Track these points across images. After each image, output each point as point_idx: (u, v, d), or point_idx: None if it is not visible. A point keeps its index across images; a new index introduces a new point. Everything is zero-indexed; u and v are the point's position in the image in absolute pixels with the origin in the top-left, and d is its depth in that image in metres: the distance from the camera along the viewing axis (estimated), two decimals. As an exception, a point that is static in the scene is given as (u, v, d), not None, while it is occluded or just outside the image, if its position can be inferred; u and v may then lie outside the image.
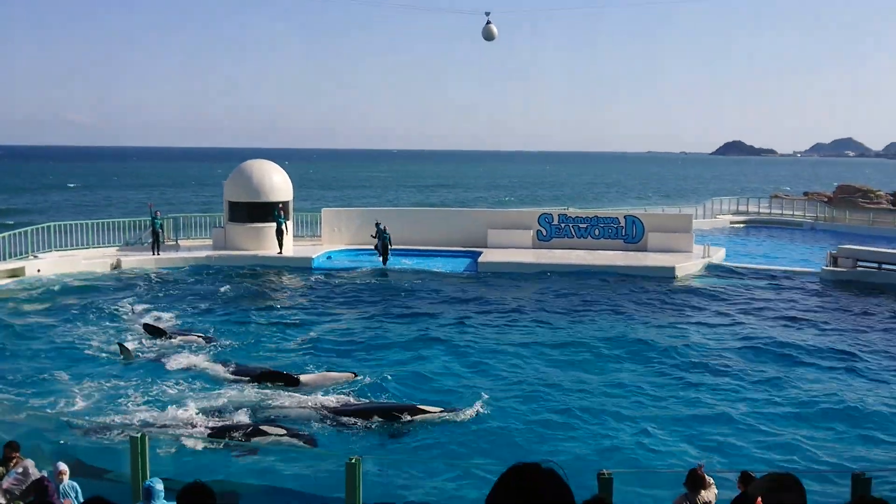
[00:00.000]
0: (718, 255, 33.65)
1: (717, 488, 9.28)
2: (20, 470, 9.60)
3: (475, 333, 21.56)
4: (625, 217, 36.03)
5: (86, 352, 19.20)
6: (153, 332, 20.66)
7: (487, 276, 30.22)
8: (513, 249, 34.10)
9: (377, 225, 32.19)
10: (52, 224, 32.12)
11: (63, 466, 9.66)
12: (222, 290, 27.29)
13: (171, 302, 25.14)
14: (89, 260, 30.42)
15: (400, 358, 19.16)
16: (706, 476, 9.30)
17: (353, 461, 8.33)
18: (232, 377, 17.16)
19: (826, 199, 61.85)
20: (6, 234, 29.31)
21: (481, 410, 14.91)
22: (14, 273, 27.77)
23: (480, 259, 32.26)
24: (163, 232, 32.76)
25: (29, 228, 30.71)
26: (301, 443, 13.48)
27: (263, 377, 16.80)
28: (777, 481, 3.32)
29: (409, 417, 14.63)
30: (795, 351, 19.89)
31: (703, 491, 9.07)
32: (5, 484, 9.45)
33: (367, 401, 15.62)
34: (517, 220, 36.53)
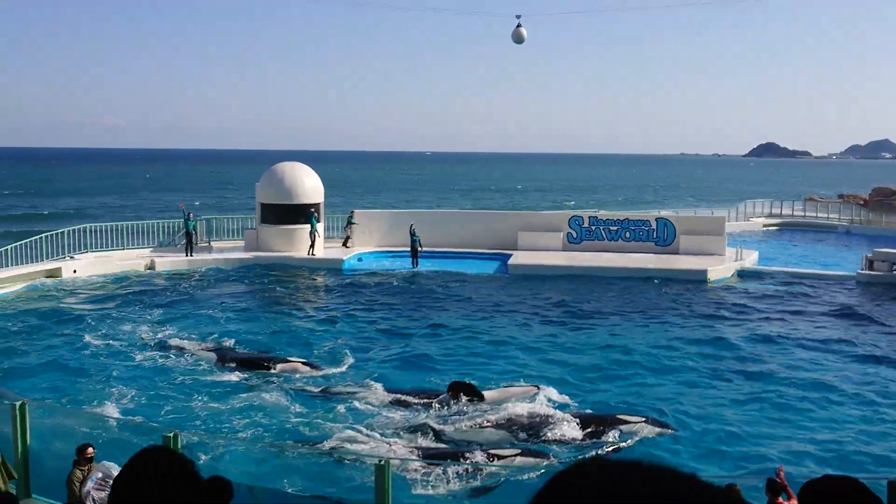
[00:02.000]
0: (751, 259, 33.28)
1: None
2: (99, 475, 9.13)
3: (524, 335, 21.54)
4: (656, 219, 35.78)
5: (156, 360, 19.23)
6: (246, 364, 18.17)
7: (517, 278, 30.18)
8: (543, 252, 34.03)
9: (411, 228, 32.30)
10: (87, 226, 32.66)
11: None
12: (258, 292, 27.56)
13: (208, 305, 25.38)
14: (124, 261, 30.88)
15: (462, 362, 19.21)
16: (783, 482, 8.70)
17: (382, 463, 8.36)
18: (399, 398, 15.73)
19: (861, 202, 60.90)
20: (44, 234, 29.83)
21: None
22: (51, 273, 28.26)
23: (510, 262, 32.21)
24: (196, 233, 33.14)
25: (65, 230, 31.25)
26: (539, 460, 12.65)
27: (454, 389, 15.50)
28: (839, 484, 3.02)
29: (614, 427, 14.05)
30: (831, 355, 19.64)
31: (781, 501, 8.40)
32: (90, 490, 8.95)
33: (561, 413, 14.68)
34: (547, 223, 36.42)
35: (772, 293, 27.72)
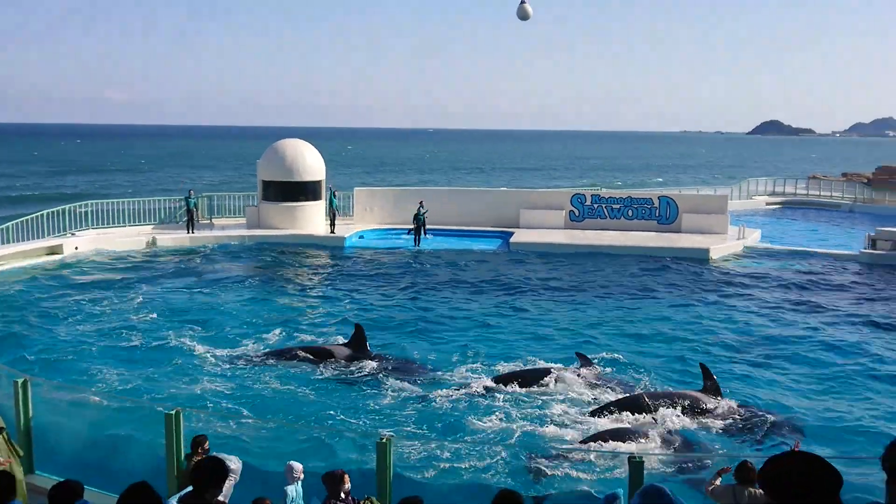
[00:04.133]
0: (754, 237, 33.22)
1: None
2: None
3: (521, 313, 21.54)
4: (659, 198, 35.68)
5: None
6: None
7: (519, 255, 30.14)
8: (545, 230, 33.98)
9: (421, 204, 32.26)
10: (89, 202, 32.60)
11: (298, 466, 8.91)
12: (260, 270, 27.55)
13: (209, 283, 25.36)
14: (125, 238, 30.84)
15: (458, 335, 19.23)
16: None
17: (384, 440, 8.35)
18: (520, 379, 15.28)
19: (865, 181, 60.64)
20: (45, 211, 29.77)
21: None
22: (53, 250, 28.23)
23: (512, 239, 32.16)
24: (197, 210, 33.09)
25: (67, 206, 31.18)
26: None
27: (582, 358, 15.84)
28: (804, 462, 2.88)
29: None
30: (834, 333, 19.64)
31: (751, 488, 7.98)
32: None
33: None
34: (549, 201, 36.34)
35: (774, 271, 27.66)
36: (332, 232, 33.15)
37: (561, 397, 14.76)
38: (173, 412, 9.05)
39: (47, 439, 10.69)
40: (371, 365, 16.49)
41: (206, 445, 8.99)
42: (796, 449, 8.40)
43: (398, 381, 15.54)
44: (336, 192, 34.20)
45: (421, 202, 32.35)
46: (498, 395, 14.76)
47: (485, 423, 13.46)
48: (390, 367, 16.46)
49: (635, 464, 7.73)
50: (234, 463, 8.04)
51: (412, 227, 32.13)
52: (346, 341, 17.56)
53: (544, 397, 14.80)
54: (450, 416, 13.86)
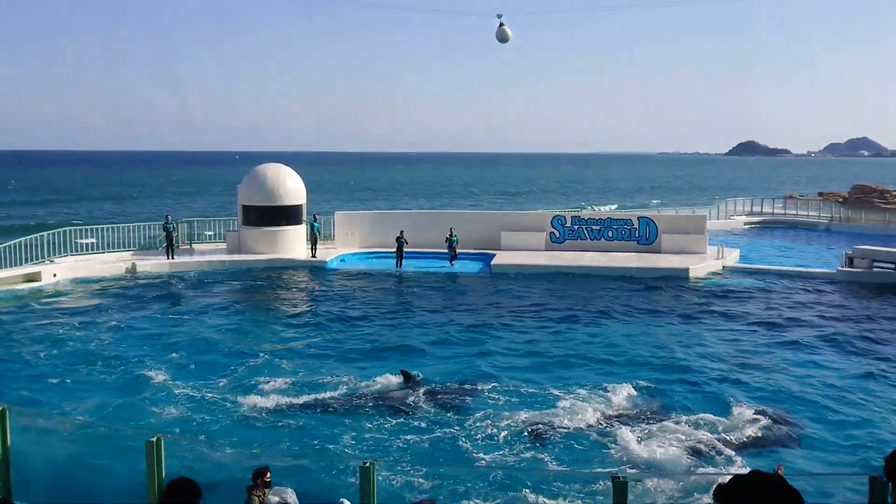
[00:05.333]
0: (733, 257, 33.48)
1: None
2: (275, 500, 8.58)
3: (496, 336, 21.54)
4: (638, 218, 35.93)
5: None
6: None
7: (500, 277, 30.21)
8: (526, 252, 34.09)
9: (400, 233, 32.37)
10: (67, 229, 32.34)
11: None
12: (241, 295, 27.40)
13: (190, 309, 25.20)
14: (105, 265, 30.61)
15: (443, 361, 19.17)
16: None
17: (367, 465, 8.31)
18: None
19: (841, 200, 61.46)
20: (22, 238, 29.52)
21: None
22: (31, 278, 27.96)
23: (493, 262, 32.24)
24: (176, 236, 32.94)
25: (45, 233, 30.95)
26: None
27: None
28: (752, 483, 2.86)
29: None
30: (811, 352, 19.80)
31: None
32: None
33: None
34: (530, 223, 36.51)
35: (753, 290, 27.89)
36: (314, 256, 33.11)
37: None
38: (154, 439, 8.96)
39: (24, 468, 10.55)
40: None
41: (268, 477, 8.65)
42: (779, 472, 8.44)
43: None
44: (316, 217, 34.24)
45: (402, 231, 32.44)
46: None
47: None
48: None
49: (619, 484, 7.73)
50: (290, 497, 7.86)
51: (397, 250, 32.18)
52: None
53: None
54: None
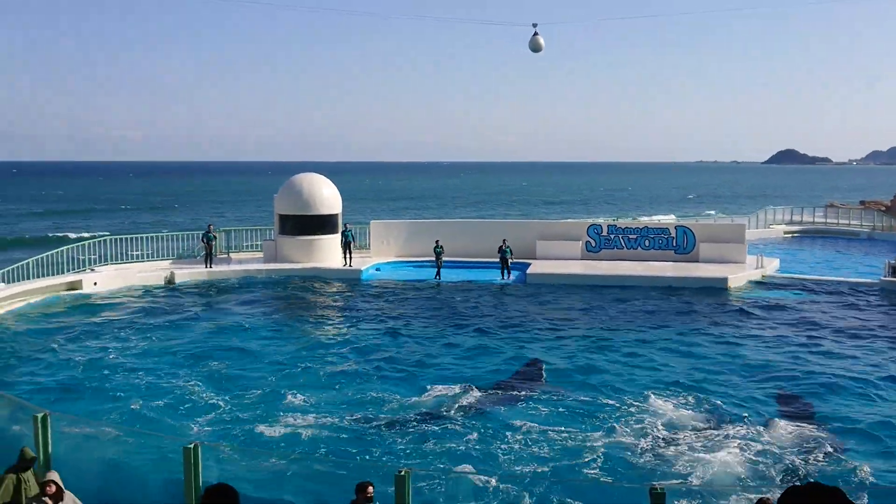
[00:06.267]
0: (772, 266, 33.00)
1: None
2: None
3: (530, 345, 21.46)
4: (676, 227, 35.58)
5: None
6: None
7: (537, 287, 30.07)
8: (562, 261, 33.93)
9: (437, 243, 32.45)
10: (108, 238, 32.89)
11: None
12: (279, 304, 27.62)
13: (229, 318, 25.42)
14: (143, 273, 31.03)
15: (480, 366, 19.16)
16: None
17: (403, 473, 8.32)
18: None
19: (884, 208, 60.23)
20: (64, 248, 30.06)
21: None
22: (72, 286, 28.45)
23: (529, 271, 32.12)
24: (215, 245, 33.32)
25: (86, 242, 31.50)
26: None
27: None
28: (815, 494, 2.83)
29: None
30: (853, 362, 19.41)
31: None
32: None
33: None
34: (566, 232, 36.33)
35: (793, 301, 27.44)
36: (348, 265, 33.26)
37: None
38: (191, 446, 9.06)
39: (66, 474, 10.68)
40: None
41: (371, 490, 8.60)
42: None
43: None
44: (348, 225, 34.34)
45: (437, 241, 32.47)
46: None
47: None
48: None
49: (657, 495, 7.64)
50: None
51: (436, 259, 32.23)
52: None
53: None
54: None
